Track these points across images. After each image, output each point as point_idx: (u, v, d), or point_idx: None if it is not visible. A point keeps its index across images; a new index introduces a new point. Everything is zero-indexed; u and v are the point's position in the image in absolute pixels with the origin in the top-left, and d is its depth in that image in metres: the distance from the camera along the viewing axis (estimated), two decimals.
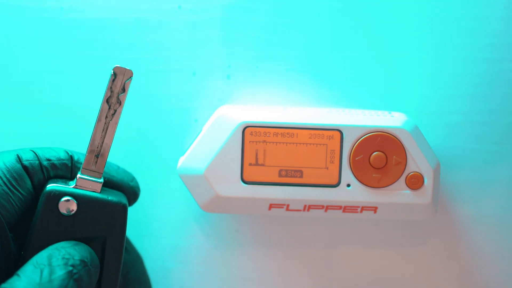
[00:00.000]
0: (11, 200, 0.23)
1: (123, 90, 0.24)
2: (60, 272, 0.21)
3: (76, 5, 0.35)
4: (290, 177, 0.27)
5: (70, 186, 0.24)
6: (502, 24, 0.33)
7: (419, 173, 0.27)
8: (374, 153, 0.27)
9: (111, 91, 0.24)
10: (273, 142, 0.26)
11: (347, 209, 0.27)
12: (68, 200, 0.23)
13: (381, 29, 0.33)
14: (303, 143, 0.26)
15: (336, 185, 0.27)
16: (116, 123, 0.24)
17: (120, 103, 0.24)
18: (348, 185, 0.27)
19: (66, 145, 0.28)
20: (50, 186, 0.23)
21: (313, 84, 0.32)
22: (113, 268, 0.24)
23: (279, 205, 0.27)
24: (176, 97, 0.33)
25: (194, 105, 0.33)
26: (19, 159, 0.24)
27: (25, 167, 0.24)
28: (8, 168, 0.23)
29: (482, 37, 0.33)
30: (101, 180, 0.24)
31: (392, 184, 0.27)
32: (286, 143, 0.26)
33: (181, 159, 0.28)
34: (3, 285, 0.21)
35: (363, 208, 0.27)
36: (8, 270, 0.22)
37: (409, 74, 0.33)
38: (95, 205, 0.24)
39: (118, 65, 0.24)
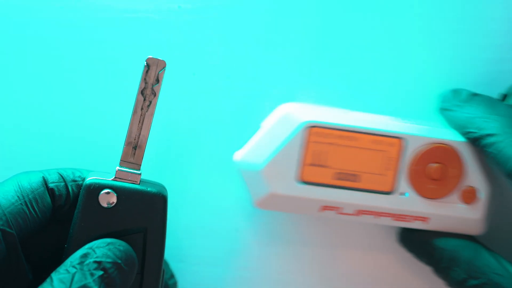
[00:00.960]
0: (27, 219, 0.23)
1: (157, 81, 0.24)
2: (90, 279, 0.21)
3: (77, 5, 0.35)
4: (346, 180, 0.27)
5: (109, 179, 0.24)
6: None
7: (475, 188, 0.27)
8: (433, 164, 0.27)
9: (146, 82, 0.24)
10: (335, 144, 0.26)
11: (399, 217, 0.27)
12: (108, 193, 0.24)
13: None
14: (364, 148, 0.26)
15: (391, 192, 0.27)
16: (152, 114, 0.24)
17: (155, 94, 0.24)
18: (403, 194, 0.27)
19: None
20: (90, 180, 0.24)
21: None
22: (155, 259, 0.24)
23: (331, 208, 0.27)
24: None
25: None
26: (44, 182, 0.24)
27: (50, 190, 0.24)
28: (32, 189, 0.23)
29: None
30: (140, 171, 0.24)
31: (447, 196, 0.27)
32: (347, 146, 0.26)
33: (239, 153, 0.28)
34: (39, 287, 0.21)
35: (415, 218, 0.27)
36: (21, 285, 0.23)
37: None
38: (134, 197, 0.24)
39: (151, 56, 0.24)
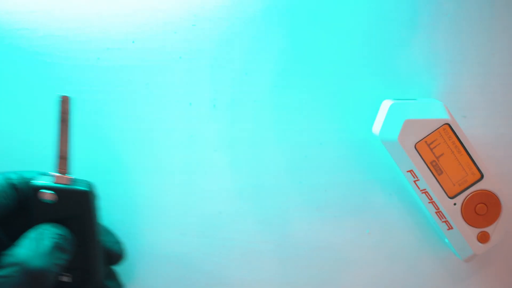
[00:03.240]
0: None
1: (68, 111, 0.31)
2: (49, 243, 0.30)
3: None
4: (434, 168, 0.35)
5: (50, 181, 0.32)
6: None
7: (489, 234, 0.36)
8: (481, 204, 0.36)
9: (62, 112, 0.32)
10: (448, 144, 0.35)
11: (438, 213, 0.36)
12: (48, 192, 0.32)
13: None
14: (460, 161, 0.35)
15: (450, 198, 0.36)
16: (68, 133, 0.32)
17: (68, 120, 0.32)
18: (455, 204, 0.36)
19: None
20: (36, 182, 0.32)
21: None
22: (90, 234, 0.33)
23: (414, 175, 0.35)
24: None
25: None
26: (9, 179, 0.32)
27: (13, 185, 0.32)
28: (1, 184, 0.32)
29: None
30: (70, 175, 0.32)
31: (473, 227, 0.36)
32: (453, 151, 0.35)
33: (392, 101, 0.36)
34: (6, 252, 0.29)
35: (446, 221, 0.36)
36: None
37: None
38: (67, 193, 0.32)
39: (62, 94, 0.31)
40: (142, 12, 0.37)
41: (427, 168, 0.35)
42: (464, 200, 0.35)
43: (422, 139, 0.35)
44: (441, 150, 0.35)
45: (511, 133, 0.38)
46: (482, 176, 0.35)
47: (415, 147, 0.35)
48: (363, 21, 0.37)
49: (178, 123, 0.38)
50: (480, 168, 0.35)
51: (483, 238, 0.36)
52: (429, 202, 0.36)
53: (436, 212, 0.36)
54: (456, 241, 0.36)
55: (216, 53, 0.37)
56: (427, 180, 0.35)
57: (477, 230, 0.36)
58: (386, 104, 0.36)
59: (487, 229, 0.36)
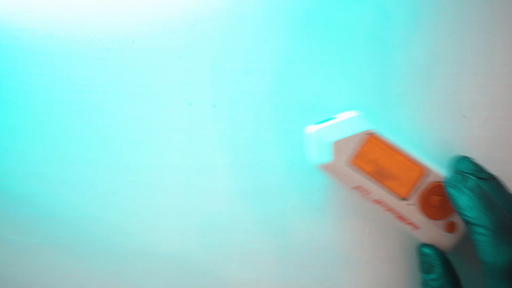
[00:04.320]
0: None
1: None
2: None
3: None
4: (380, 176, 0.35)
5: None
6: None
7: (456, 223, 0.36)
8: (436, 196, 0.36)
9: None
10: (382, 150, 0.35)
11: (399, 217, 0.36)
12: None
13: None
14: (400, 162, 0.35)
15: (404, 199, 0.36)
16: None
17: None
18: (411, 204, 0.36)
19: None
20: None
21: None
22: None
23: (361, 189, 0.36)
24: None
25: None
26: None
27: None
28: None
29: None
30: None
31: (436, 220, 0.36)
32: (389, 155, 0.35)
33: (316, 127, 0.36)
34: None
35: (410, 223, 0.36)
36: None
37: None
38: None
39: None
40: (142, 12, 0.37)
41: (371, 179, 0.35)
42: (418, 197, 0.36)
43: (355, 155, 0.35)
44: (376, 158, 0.35)
45: (511, 133, 0.38)
46: (425, 171, 0.36)
47: (352, 164, 0.35)
48: (363, 21, 0.37)
49: (178, 123, 0.38)
50: (419, 163, 0.35)
51: (451, 227, 0.36)
52: (386, 210, 0.36)
53: (397, 218, 0.36)
54: (428, 238, 0.36)
55: (216, 53, 0.37)
56: (376, 190, 0.36)
57: (442, 222, 0.36)
58: (310, 131, 0.36)
59: (451, 219, 0.36)
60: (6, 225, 0.39)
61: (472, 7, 0.37)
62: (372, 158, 0.35)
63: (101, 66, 0.37)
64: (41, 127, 0.38)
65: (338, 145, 0.35)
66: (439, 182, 0.36)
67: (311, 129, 0.36)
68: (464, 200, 0.33)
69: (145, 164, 0.38)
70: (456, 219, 0.36)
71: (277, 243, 0.40)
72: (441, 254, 0.36)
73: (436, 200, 0.36)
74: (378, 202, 0.36)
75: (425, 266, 0.36)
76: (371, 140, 0.35)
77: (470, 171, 0.36)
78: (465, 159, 0.37)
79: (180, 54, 0.37)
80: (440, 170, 0.36)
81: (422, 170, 0.35)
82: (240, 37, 0.37)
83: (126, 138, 0.38)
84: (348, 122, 0.36)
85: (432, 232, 0.36)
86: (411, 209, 0.36)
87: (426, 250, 0.36)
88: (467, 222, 0.33)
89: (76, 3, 0.37)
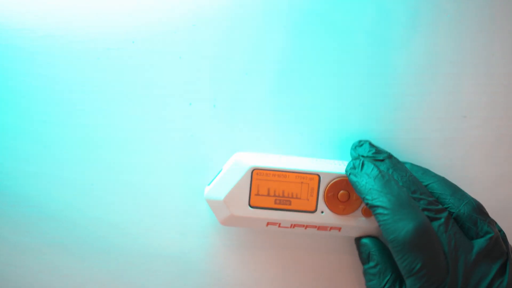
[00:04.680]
0: None
1: None
2: None
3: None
4: (282, 204, 0.37)
5: None
6: None
7: None
8: (341, 191, 0.37)
9: None
10: (271, 180, 0.36)
11: (320, 228, 0.37)
12: None
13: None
14: (293, 182, 0.36)
15: (314, 211, 0.37)
16: None
17: None
18: (322, 212, 0.37)
19: None
20: None
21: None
22: None
23: (273, 223, 0.37)
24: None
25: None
26: None
27: None
28: None
29: None
30: None
31: (352, 212, 0.37)
32: (281, 181, 0.36)
33: (207, 188, 0.37)
34: None
35: (331, 228, 0.37)
36: None
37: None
38: None
39: None
40: (142, 12, 0.37)
41: (277, 210, 0.36)
42: (326, 201, 0.36)
43: (250, 196, 0.36)
44: (271, 187, 0.36)
45: (511, 133, 0.38)
46: (320, 175, 0.36)
47: (252, 207, 0.36)
48: (363, 21, 0.37)
49: (178, 123, 0.38)
50: (310, 171, 0.36)
51: (368, 212, 0.37)
52: (305, 229, 0.37)
53: (318, 230, 0.37)
54: (356, 232, 0.37)
55: (216, 53, 0.37)
56: (287, 217, 0.36)
57: (358, 211, 0.37)
58: (205, 192, 0.37)
59: (363, 204, 0.37)
60: (6, 225, 0.39)
61: (472, 7, 0.37)
62: (267, 191, 0.36)
63: (101, 66, 0.37)
64: (41, 127, 0.38)
65: (230, 198, 0.36)
66: (337, 178, 0.36)
67: (206, 191, 0.37)
68: (363, 184, 0.34)
69: (145, 164, 0.38)
70: None
71: (277, 243, 0.40)
72: (376, 241, 0.37)
73: (344, 195, 0.36)
74: (293, 226, 0.37)
75: (364, 257, 0.37)
76: (257, 176, 0.36)
77: (367, 154, 0.37)
78: (362, 144, 0.38)
79: (180, 54, 0.37)
80: (332, 165, 0.37)
81: (317, 176, 0.36)
82: (240, 37, 0.37)
83: (126, 138, 0.38)
84: (230, 171, 0.36)
85: (356, 224, 0.37)
86: (326, 216, 0.37)
87: (362, 241, 0.37)
88: (369, 206, 0.34)
89: (76, 3, 0.37)
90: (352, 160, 0.36)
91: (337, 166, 0.37)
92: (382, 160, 0.36)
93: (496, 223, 0.35)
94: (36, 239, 0.39)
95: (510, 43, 0.38)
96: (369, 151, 0.37)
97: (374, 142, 0.38)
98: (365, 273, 0.37)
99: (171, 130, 0.38)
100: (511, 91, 0.38)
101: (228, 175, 0.36)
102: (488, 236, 0.34)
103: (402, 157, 0.38)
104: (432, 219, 0.34)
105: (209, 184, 0.37)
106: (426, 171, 0.37)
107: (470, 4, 0.37)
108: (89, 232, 0.39)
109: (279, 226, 0.37)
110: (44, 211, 0.39)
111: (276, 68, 0.38)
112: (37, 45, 0.37)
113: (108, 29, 0.37)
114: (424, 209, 0.34)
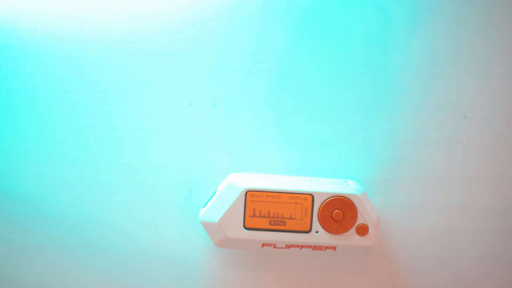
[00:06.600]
0: None
1: None
2: None
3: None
4: (277, 225, 0.36)
5: None
6: None
7: (365, 225, 0.37)
8: (335, 211, 0.36)
9: None
10: (266, 201, 0.36)
11: (315, 248, 0.37)
12: None
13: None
14: (286, 202, 0.36)
15: (308, 231, 0.37)
16: None
17: None
18: (317, 232, 0.37)
19: None
20: None
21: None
22: None
23: (269, 244, 0.37)
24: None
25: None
26: None
27: None
28: None
29: None
30: None
31: (347, 231, 0.37)
32: (275, 202, 0.36)
33: (202, 211, 0.37)
34: None
35: (326, 247, 0.37)
36: None
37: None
38: None
39: None
40: (142, 12, 0.37)
41: (272, 231, 0.36)
42: (320, 221, 0.36)
43: (245, 218, 0.36)
44: (265, 208, 0.36)
45: (511, 133, 0.38)
46: (314, 194, 0.36)
47: (247, 228, 0.36)
48: (363, 21, 0.37)
49: (178, 123, 0.38)
50: (304, 192, 0.36)
51: (363, 230, 0.37)
52: (300, 249, 0.37)
53: (313, 250, 0.37)
54: (351, 251, 0.37)
55: (216, 53, 0.37)
56: (282, 237, 0.36)
57: (353, 230, 0.37)
58: (200, 215, 0.37)
59: (359, 222, 0.37)
60: (6, 225, 0.39)
61: (472, 7, 0.37)
62: (261, 212, 0.36)
63: (101, 66, 0.37)
64: (41, 127, 0.38)
65: (224, 220, 0.36)
66: (330, 197, 0.36)
67: (201, 213, 0.37)
68: None
69: (145, 164, 0.38)
70: (363, 220, 0.37)
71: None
72: None
73: (338, 214, 0.36)
74: (289, 246, 0.37)
75: None
76: (251, 197, 0.36)
77: None
78: None
79: (180, 54, 0.37)
80: (326, 185, 0.37)
81: (310, 196, 0.36)
82: (240, 37, 0.37)
83: (126, 138, 0.38)
84: (224, 193, 0.36)
85: (350, 243, 0.37)
86: (320, 235, 0.36)
87: None
88: None
89: (76, 3, 0.37)
90: None
91: (330, 186, 0.37)
92: None
93: None
94: (36, 239, 0.39)
95: (510, 43, 0.38)
96: None
97: (374, 143, 0.38)
98: None
99: (171, 130, 0.38)
100: (511, 91, 0.38)
101: (222, 197, 0.36)
102: None
103: (402, 157, 0.38)
104: None
105: (203, 207, 0.37)
106: None
107: (470, 4, 0.37)
108: (89, 232, 0.39)
109: (274, 247, 0.37)
110: (44, 211, 0.39)
111: (276, 68, 0.38)
112: (37, 45, 0.37)
113: (108, 29, 0.37)
114: None
